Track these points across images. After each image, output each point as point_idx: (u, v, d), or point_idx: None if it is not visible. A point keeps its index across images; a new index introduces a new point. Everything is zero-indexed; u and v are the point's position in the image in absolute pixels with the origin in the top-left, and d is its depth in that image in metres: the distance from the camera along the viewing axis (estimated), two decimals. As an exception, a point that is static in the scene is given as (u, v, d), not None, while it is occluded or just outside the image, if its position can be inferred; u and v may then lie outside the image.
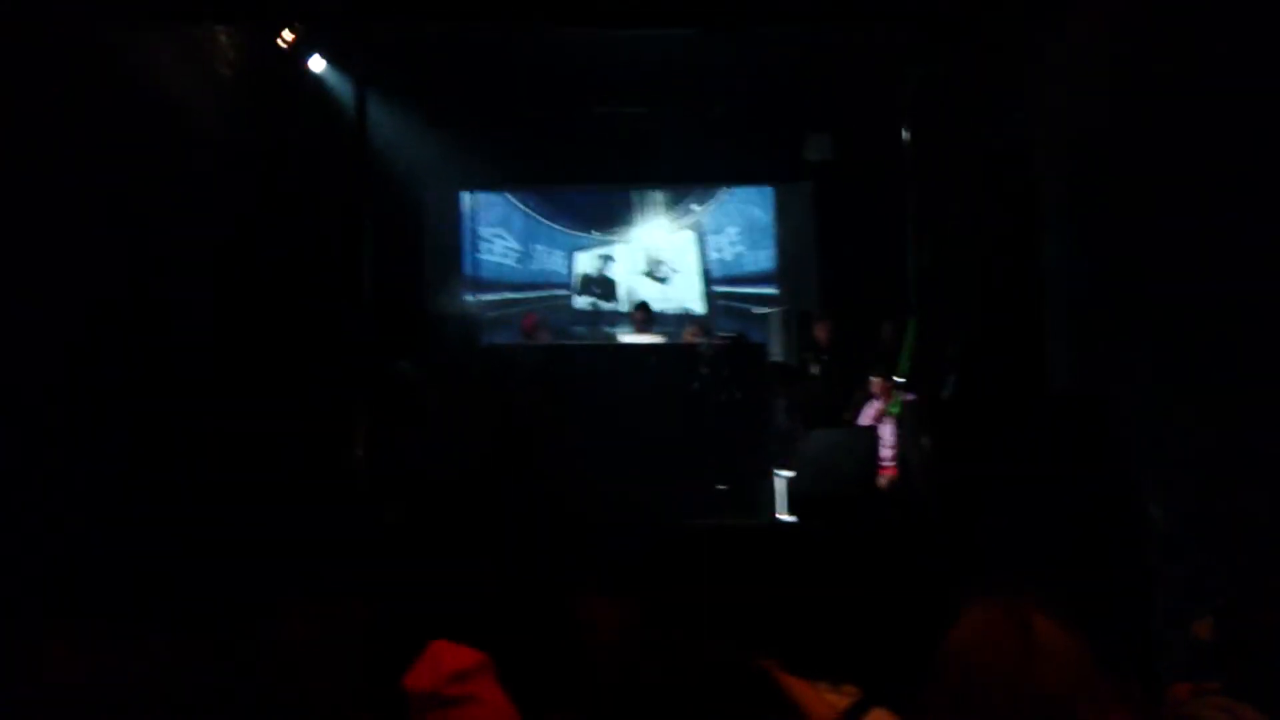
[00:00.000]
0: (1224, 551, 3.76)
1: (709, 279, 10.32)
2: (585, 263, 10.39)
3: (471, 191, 10.09)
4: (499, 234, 10.28)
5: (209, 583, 3.87)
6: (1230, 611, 2.22)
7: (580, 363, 7.31)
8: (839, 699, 2.30)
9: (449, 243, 9.99)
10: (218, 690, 1.72)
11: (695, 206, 10.31)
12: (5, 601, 3.50)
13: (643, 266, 10.35)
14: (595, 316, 10.24)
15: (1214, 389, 4.08)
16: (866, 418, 7.21)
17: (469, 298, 9.87)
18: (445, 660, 2.06)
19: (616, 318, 10.03)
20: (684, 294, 10.29)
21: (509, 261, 10.27)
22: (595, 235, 10.32)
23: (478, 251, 10.15)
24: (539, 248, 10.31)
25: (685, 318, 9.46)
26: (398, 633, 2.11)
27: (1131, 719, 1.45)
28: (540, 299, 10.14)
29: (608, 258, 10.37)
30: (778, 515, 6.59)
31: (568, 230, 10.33)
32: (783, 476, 6.82)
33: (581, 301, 10.35)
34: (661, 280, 10.30)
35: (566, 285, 10.35)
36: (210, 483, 4.88)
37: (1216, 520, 3.92)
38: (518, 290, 10.21)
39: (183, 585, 3.86)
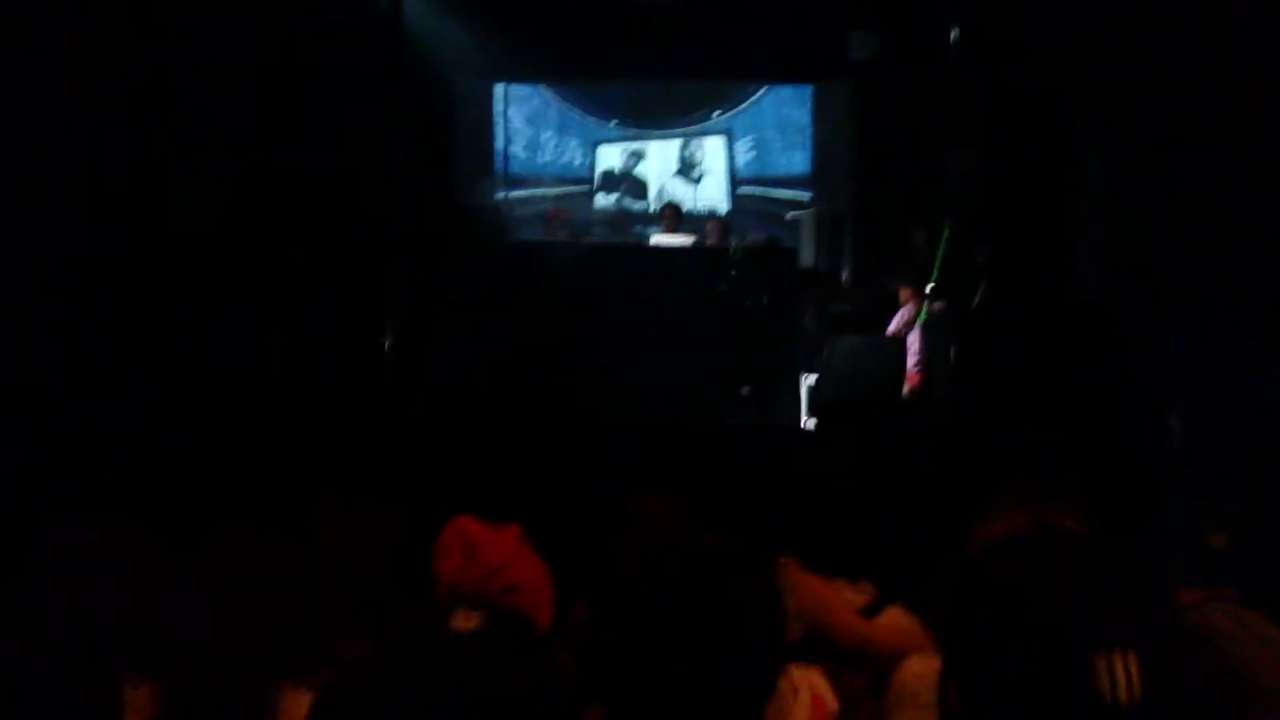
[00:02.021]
0: (1239, 465, 3.78)
1: (738, 180, 10.19)
2: (610, 158, 10.24)
3: (505, 83, 9.94)
4: (529, 128, 10.16)
5: (238, 477, 3.95)
6: (1246, 522, 2.24)
7: (608, 262, 7.29)
8: (856, 596, 2.36)
9: (480, 135, 9.90)
10: (254, 583, 1.77)
11: (717, 113, 10.12)
12: (43, 497, 3.59)
13: (675, 166, 10.23)
14: (622, 217, 10.15)
15: (1240, 305, 4.05)
16: (895, 325, 7.19)
17: (498, 193, 9.81)
18: (485, 553, 1.96)
19: (646, 218, 9.95)
20: (713, 195, 10.19)
21: (538, 156, 10.17)
22: (616, 127, 10.14)
23: (510, 145, 10.05)
24: (565, 141, 10.18)
25: (710, 217, 9.38)
26: (429, 527, 2.15)
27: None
28: (560, 196, 10.04)
29: (638, 155, 10.24)
30: (802, 420, 6.63)
31: (594, 123, 10.16)
32: (807, 382, 6.84)
33: (605, 200, 10.23)
34: (696, 182, 10.19)
35: (588, 181, 10.21)
36: (239, 376, 4.95)
37: (1234, 434, 3.92)
38: (546, 186, 10.13)
39: (213, 480, 3.94)
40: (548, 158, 10.19)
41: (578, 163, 10.21)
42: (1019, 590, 1.15)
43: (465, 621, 1.58)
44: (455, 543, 2.00)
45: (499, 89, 9.94)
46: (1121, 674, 1.06)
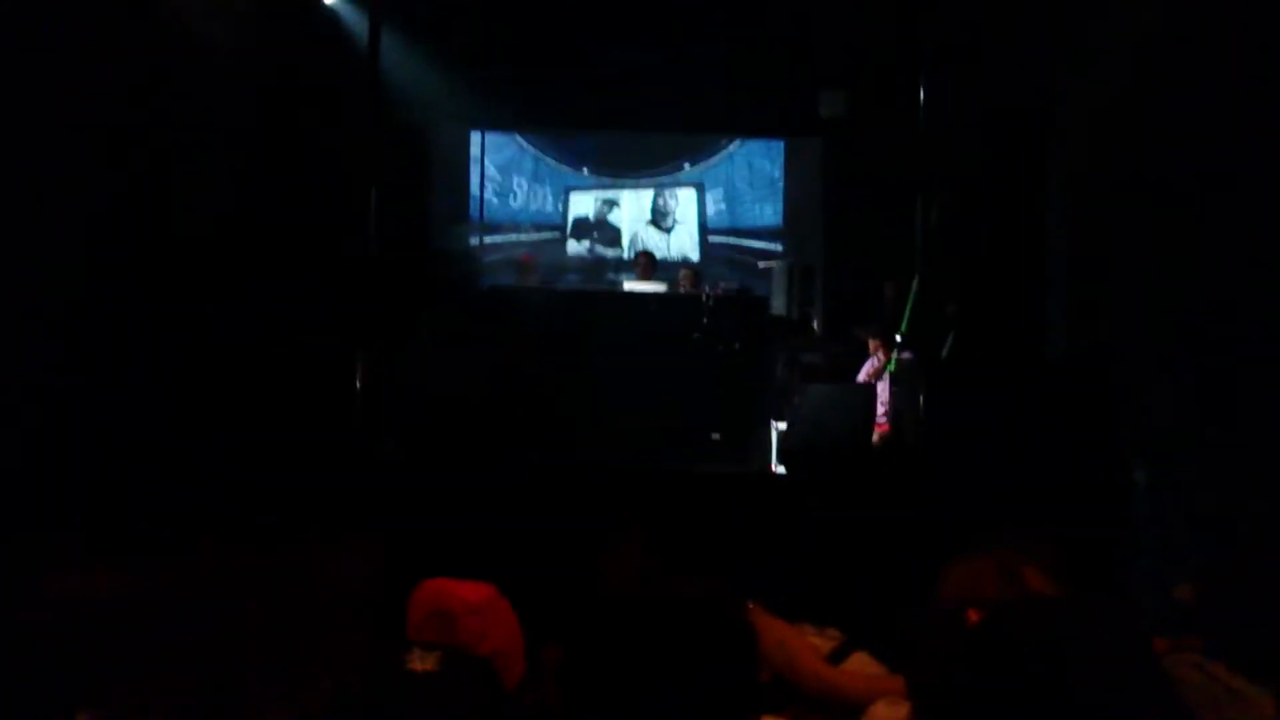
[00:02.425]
0: (1205, 517, 3.84)
1: (709, 230, 10.31)
2: (583, 205, 10.32)
3: (481, 131, 10.03)
4: (503, 174, 10.24)
5: (215, 509, 3.92)
6: (1211, 575, 2.28)
7: (581, 308, 7.34)
8: (823, 641, 2.38)
9: (456, 182, 9.96)
10: (226, 613, 1.77)
11: (688, 165, 10.25)
12: (10, 522, 3.56)
13: (648, 215, 10.34)
14: (594, 263, 10.21)
15: (1205, 356, 4.13)
16: (864, 374, 7.26)
17: (473, 239, 9.86)
18: (460, 629, 1.90)
19: (619, 265, 10.03)
20: (685, 244, 10.29)
21: (512, 202, 10.25)
22: (588, 175, 10.25)
23: (484, 191, 10.11)
24: (538, 188, 10.27)
25: (682, 265, 9.48)
26: (402, 565, 2.15)
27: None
28: (534, 242, 10.11)
29: (611, 203, 10.34)
30: (771, 467, 6.67)
31: (567, 170, 10.26)
32: (777, 429, 6.89)
33: (577, 247, 10.29)
34: (668, 230, 10.30)
35: (561, 227, 10.28)
36: (213, 416, 4.94)
37: (1200, 488, 3.99)
38: (520, 232, 10.20)
39: (187, 511, 3.91)
40: (521, 203, 10.27)
41: (550, 209, 10.29)
42: (1024, 664, 1.16)
43: (422, 663, 1.58)
44: (430, 621, 1.94)
45: (474, 136, 10.03)
46: None
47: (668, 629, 1.60)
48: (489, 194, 10.11)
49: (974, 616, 1.68)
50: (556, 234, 10.27)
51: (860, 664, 2.33)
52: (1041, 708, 1.14)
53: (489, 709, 1.56)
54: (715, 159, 10.31)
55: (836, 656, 2.33)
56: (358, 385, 5.67)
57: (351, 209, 6.05)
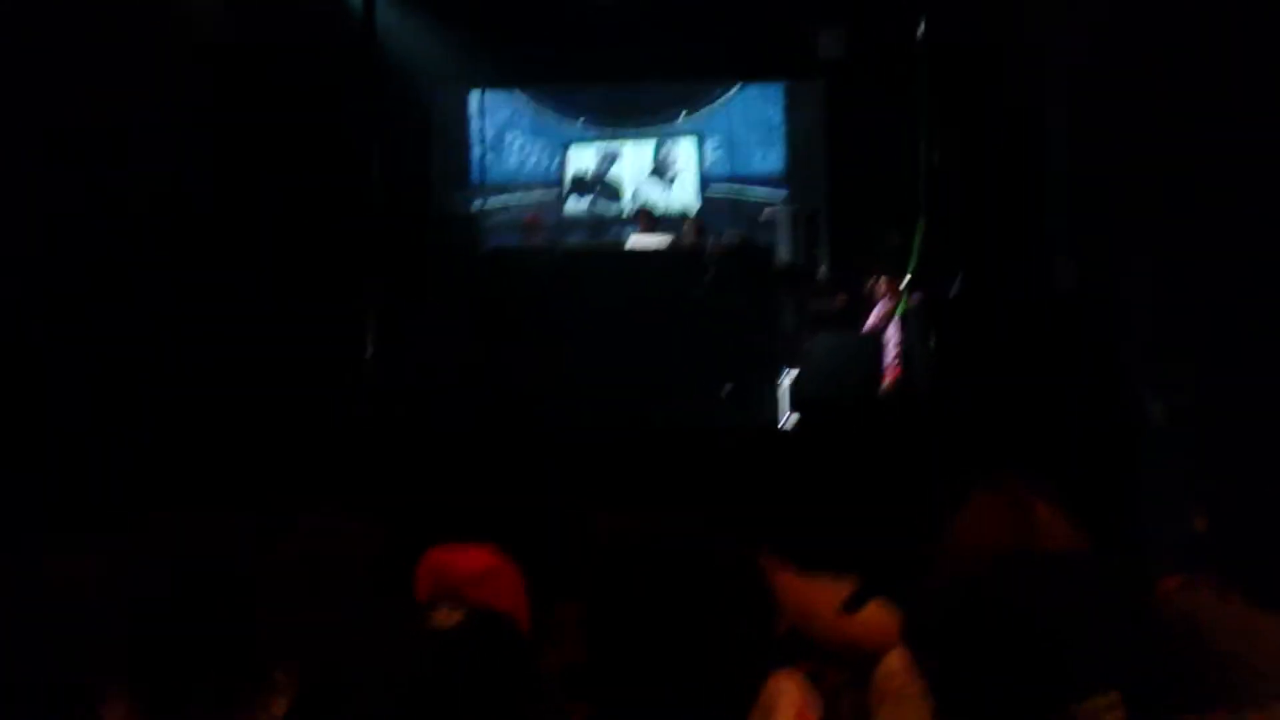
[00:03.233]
0: (1221, 450, 3.81)
1: (710, 179, 10.19)
2: (583, 160, 10.21)
3: (481, 89, 9.90)
4: (503, 133, 10.13)
5: (219, 489, 3.93)
6: (1224, 506, 2.26)
7: (585, 267, 7.30)
8: (839, 592, 2.36)
9: (455, 143, 9.86)
10: (225, 599, 1.76)
11: (685, 113, 10.10)
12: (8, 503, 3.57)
13: (649, 168, 10.23)
14: (596, 221, 10.12)
15: (1214, 290, 4.09)
16: (873, 319, 7.23)
17: (475, 200, 9.78)
18: (470, 596, 1.95)
19: (622, 221, 9.94)
20: (686, 195, 10.19)
21: (512, 161, 10.14)
22: (585, 127, 10.11)
23: (484, 151, 10.00)
24: (538, 145, 10.15)
25: (685, 218, 9.39)
26: (406, 540, 2.14)
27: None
28: (537, 201, 10.00)
29: (613, 157, 10.22)
30: (781, 418, 6.66)
31: (566, 124, 10.12)
32: (786, 380, 6.87)
33: (577, 204, 10.20)
34: (670, 183, 10.19)
35: (558, 184, 10.18)
36: (220, 385, 4.94)
37: (1215, 419, 3.96)
38: (522, 191, 10.10)
39: (192, 493, 3.92)
40: (522, 162, 10.16)
41: (550, 166, 10.18)
42: (1016, 623, 1.16)
43: (447, 619, 1.58)
44: (435, 588, 1.99)
45: (473, 95, 9.91)
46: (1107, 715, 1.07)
47: (682, 584, 1.59)
48: (492, 154, 10.00)
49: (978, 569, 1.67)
50: (555, 191, 10.16)
51: (876, 613, 2.31)
52: (1030, 666, 1.13)
53: (518, 664, 1.56)
54: (713, 107, 10.17)
55: (852, 605, 2.32)
56: (366, 354, 5.66)
57: (353, 176, 6.01)
